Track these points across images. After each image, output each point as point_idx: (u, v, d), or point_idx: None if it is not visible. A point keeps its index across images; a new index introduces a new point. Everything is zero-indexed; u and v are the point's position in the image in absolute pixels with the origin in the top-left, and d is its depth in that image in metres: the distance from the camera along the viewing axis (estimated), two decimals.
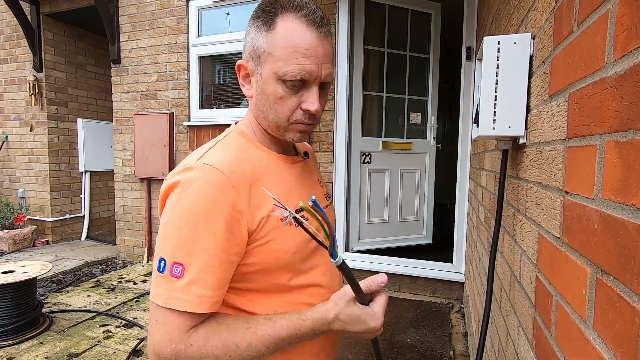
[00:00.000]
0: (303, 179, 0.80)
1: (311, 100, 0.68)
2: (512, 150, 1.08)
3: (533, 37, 0.90)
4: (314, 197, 0.56)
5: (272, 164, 0.74)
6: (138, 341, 2.28)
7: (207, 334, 0.62)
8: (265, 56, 0.68)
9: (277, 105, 0.69)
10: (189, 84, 3.70)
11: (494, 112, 0.92)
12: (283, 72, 0.66)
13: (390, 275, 3.06)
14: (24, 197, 4.62)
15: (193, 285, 0.61)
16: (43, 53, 4.34)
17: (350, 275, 0.64)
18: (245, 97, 3.77)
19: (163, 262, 0.62)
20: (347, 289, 0.66)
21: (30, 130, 4.46)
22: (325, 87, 0.72)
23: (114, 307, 2.78)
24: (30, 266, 2.49)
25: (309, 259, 0.74)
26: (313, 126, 0.73)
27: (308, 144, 0.96)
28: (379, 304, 0.67)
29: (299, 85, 0.67)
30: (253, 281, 0.70)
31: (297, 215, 0.59)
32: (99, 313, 2.66)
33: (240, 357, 0.63)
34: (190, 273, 0.61)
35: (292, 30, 0.66)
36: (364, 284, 0.67)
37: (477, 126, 1.02)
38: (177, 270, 0.61)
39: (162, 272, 0.62)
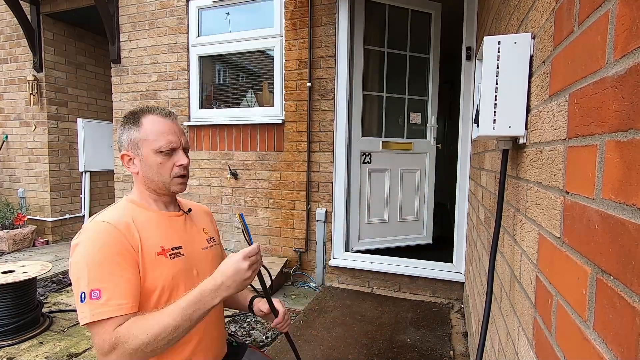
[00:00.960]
0: (184, 227, 1.08)
1: (181, 158, 1.03)
2: (512, 150, 1.08)
3: (533, 37, 0.90)
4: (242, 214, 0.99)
5: (154, 217, 1.03)
6: None
7: (128, 324, 0.84)
8: (142, 142, 1.00)
9: (160, 169, 1.01)
10: (189, 84, 3.70)
11: (494, 112, 0.92)
12: (158, 147, 1.00)
13: (390, 275, 3.07)
14: (24, 197, 4.62)
15: (112, 300, 0.84)
16: (43, 53, 4.34)
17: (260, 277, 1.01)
18: (244, 97, 3.77)
19: (83, 294, 0.84)
20: (227, 259, 0.91)
21: (33, 130, 4.46)
22: (187, 151, 1.07)
23: None
24: (30, 266, 2.48)
25: (189, 283, 0.98)
26: (187, 177, 1.07)
27: (199, 205, 1.25)
28: (242, 251, 0.91)
29: (170, 152, 1.02)
30: (150, 305, 0.92)
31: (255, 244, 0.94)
32: None
33: (153, 333, 0.82)
34: (106, 293, 0.84)
35: (154, 121, 1.02)
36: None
37: (477, 126, 1.02)
38: (95, 294, 0.83)
39: (83, 301, 0.83)
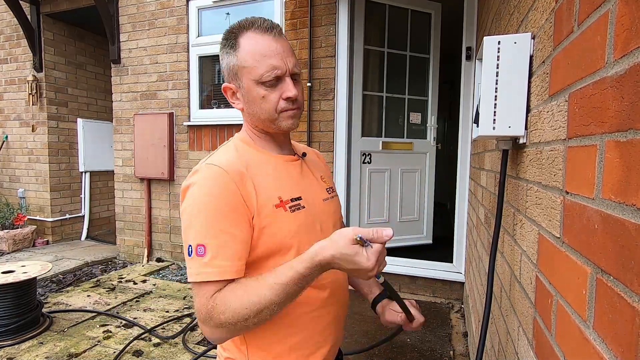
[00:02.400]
0: (301, 174, 0.91)
1: (288, 89, 0.81)
2: (512, 150, 1.08)
3: (533, 37, 0.90)
4: (359, 235, 0.67)
5: (270, 161, 0.87)
6: (131, 339, 2.29)
7: (227, 293, 0.73)
8: (241, 70, 0.81)
9: (263, 103, 0.82)
10: (189, 84, 3.70)
11: (494, 112, 0.92)
12: (259, 75, 0.79)
13: (390, 275, 3.06)
14: (24, 197, 4.62)
15: (215, 259, 0.73)
16: (43, 53, 4.34)
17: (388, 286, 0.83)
18: None
19: (190, 247, 0.75)
20: (347, 231, 0.70)
21: (32, 130, 4.46)
22: (297, 77, 0.85)
23: (114, 307, 2.78)
24: (30, 266, 2.48)
25: (312, 239, 0.78)
26: (299, 110, 0.86)
27: (310, 148, 1.06)
28: (374, 249, 0.69)
29: (275, 82, 0.81)
30: (263, 268, 0.79)
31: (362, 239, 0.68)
32: (99, 313, 2.66)
33: (253, 307, 0.71)
34: (210, 251, 0.74)
35: (253, 41, 0.80)
36: (369, 230, 0.70)
37: (477, 126, 1.02)
38: (200, 250, 0.74)
39: (190, 255, 0.75)
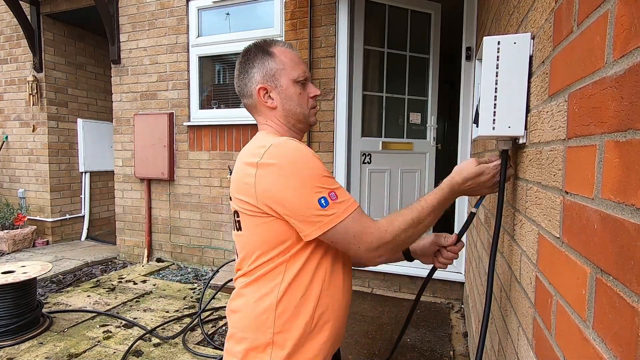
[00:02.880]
0: None
1: (314, 89, 1.03)
2: (512, 150, 1.08)
3: (533, 37, 0.90)
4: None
5: None
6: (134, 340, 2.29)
7: (389, 217, 0.87)
8: (279, 72, 0.97)
9: (300, 99, 0.99)
10: (189, 84, 3.70)
11: (494, 112, 0.92)
12: (296, 76, 0.98)
13: (390, 275, 3.06)
14: (24, 197, 4.62)
15: (347, 195, 0.84)
16: (43, 53, 4.34)
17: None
18: None
19: (322, 199, 0.81)
20: (469, 160, 0.95)
21: (33, 130, 4.46)
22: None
23: (114, 307, 2.78)
24: (30, 266, 2.49)
25: None
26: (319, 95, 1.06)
27: None
28: (492, 165, 0.93)
29: (304, 83, 1.00)
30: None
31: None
32: (99, 313, 2.66)
33: (412, 224, 0.86)
34: (339, 193, 0.83)
35: (287, 51, 1.00)
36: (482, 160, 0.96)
37: (477, 126, 1.02)
38: (333, 195, 0.82)
39: (327, 204, 0.81)
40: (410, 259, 1.14)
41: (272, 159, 0.83)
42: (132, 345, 2.22)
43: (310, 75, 1.03)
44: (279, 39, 0.97)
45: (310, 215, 0.81)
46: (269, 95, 0.98)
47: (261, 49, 0.99)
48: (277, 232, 0.86)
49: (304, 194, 0.81)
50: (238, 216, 0.92)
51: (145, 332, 2.39)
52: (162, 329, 2.46)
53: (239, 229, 0.93)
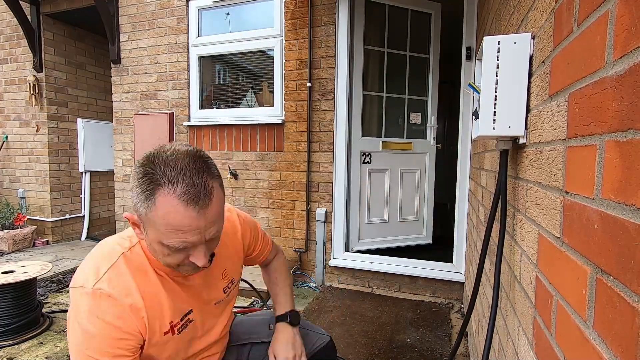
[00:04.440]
0: (202, 280, 0.94)
1: (198, 258, 0.77)
2: (512, 150, 1.08)
3: (533, 37, 0.90)
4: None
5: (164, 281, 0.86)
6: None
7: None
8: (148, 224, 0.73)
9: (165, 258, 0.77)
10: (189, 84, 3.70)
11: (494, 112, 0.92)
12: (166, 242, 0.73)
13: (390, 275, 3.06)
14: (24, 197, 4.62)
15: None
16: (43, 53, 4.34)
17: None
18: (244, 97, 3.77)
19: None
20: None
21: (37, 130, 4.46)
22: (213, 243, 0.81)
23: None
24: (30, 266, 2.48)
25: (192, 348, 0.95)
26: (208, 265, 0.81)
27: (232, 220, 1.05)
28: None
29: (182, 249, 0.75)
30: None
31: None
32: None
33: None
34: None
35: (171, 210, 0.69)
36: None
37: (476, 119, 1.02)
38: None
39: None
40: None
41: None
42: None
43: (209, 237, 0.76)
44: (197, 178, 0.72)
45: None
46: (137, 228, 0.79)
47: (146, 181, 0.70)
48: None
49: None
50: None
51: None
52: None
53: None
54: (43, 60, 4.35)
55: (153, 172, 0.70)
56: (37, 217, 4.54)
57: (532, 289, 0.82)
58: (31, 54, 4.34)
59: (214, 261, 0.93)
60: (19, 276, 2.29)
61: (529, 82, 0.91)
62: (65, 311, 2.68)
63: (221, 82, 3.95)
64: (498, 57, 0.91)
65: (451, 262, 3.04)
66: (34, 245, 4.42)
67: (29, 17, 4.23)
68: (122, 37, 3.92)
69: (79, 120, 4.73)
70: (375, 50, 3.31)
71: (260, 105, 3.61)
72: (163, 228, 0.71)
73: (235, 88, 3.83)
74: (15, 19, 4.16)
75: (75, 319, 0.78)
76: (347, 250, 3.26)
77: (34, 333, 2.32)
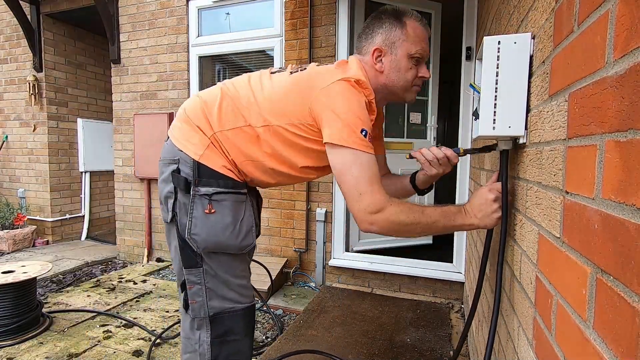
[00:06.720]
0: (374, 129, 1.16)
1: (426, 71, 1.10)
2: (512, 150, 1.08)
3: (533, 37, 0.90)
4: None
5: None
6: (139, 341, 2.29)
7: (398, 203, 0.97)
8: (400, 42, 1.05)
9: (407, 74, 1.07)
10: (189, 84, 3.70)
11: (494, 112, 0.92)
12: (414, 51, 1.05)
13: (390, 275, 3.06)
14: (24, 197, 4.62)
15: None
16: (43, 53, 4.34)
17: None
18: None
19: (364, 130, 0.97)
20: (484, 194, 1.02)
21: (34, 130, 4.46)
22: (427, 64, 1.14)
23: (114, 307, 2.78)
24: (30, 266, 2.49)
25: None
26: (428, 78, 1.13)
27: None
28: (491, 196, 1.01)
29: (417, 61, 1.07)
30: None
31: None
32: (99, 313, 2.66)
33: (410, 221, 0.95)
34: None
35: (416, 27, 1.06)
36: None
37: (476, 119, 1.02)
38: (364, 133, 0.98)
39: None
40: (422, 193, 1.27)
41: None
42: (151, 347, 2.20)
43: (428, 57, 1.10)
44: (391, 3, 0.94)
45: None
46: (381, 59, 1.06)
47: (395, 15, 1.06)
48: None
49: None
50: None
51: (156, 337, 2.39)
52: (161, 328, 2.46)
53: None
54: (43, 60, 4.35)
55: (393, 10, 1.07)
56: (37, 217, 4.54)
57: (532, 288, 0.82)
58: (31, 54, 4.34)
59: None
60: (19, 276, 2.29)
61: (529, 82, 0.90)
62: (65, 311, 2.68)
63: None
64: (498, 57, 0.91)
65: (451, 262, 3.04)
66: (34, 245, 4.42)
67: (29, 17, 4.23)
68: (122, 37, 3.92)
69: (79, 120, 4.73)
70: None
71: None
72: (413, 38, 1.04)
73: None
74: (15, 18, 4.16)
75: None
76: (347, 250, 3.26)
77: (34, 333, 2.32)
